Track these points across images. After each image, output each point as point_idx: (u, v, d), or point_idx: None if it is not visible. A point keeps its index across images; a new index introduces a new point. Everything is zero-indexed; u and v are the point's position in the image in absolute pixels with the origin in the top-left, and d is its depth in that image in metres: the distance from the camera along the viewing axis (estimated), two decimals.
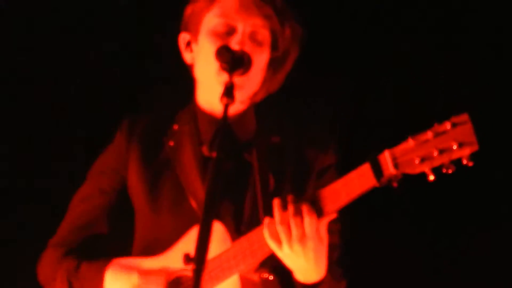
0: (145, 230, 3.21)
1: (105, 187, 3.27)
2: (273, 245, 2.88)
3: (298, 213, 2.85)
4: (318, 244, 2.88)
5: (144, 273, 3.05)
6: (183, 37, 3.29)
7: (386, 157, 2.78)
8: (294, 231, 2.84)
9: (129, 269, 3.08)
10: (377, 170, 2.80)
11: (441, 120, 2.73)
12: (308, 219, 2.84)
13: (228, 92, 2.88)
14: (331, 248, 3.13)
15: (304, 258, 2.87)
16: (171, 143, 3.26)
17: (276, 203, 2.88)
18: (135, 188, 3.23)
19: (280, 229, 2.85)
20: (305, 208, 2.84)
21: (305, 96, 4.35)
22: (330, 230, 3.12)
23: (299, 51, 3.28)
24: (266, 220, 2.89)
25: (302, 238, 2.84)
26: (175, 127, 3.30)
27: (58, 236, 3.28)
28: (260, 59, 3.16)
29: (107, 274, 3.10)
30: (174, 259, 3.04)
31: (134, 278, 3.04)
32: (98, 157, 3.36)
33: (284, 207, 2.87)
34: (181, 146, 3.24)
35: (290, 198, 2.87)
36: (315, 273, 2.95)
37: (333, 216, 2.90)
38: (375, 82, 4.44)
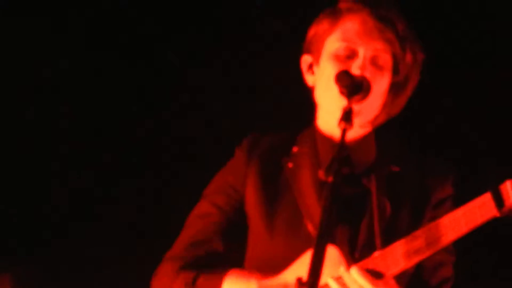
0: (259, 250, 3.22)
1: (223, 204, 3.28)
2: None
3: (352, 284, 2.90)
4: None
5: (263, 284, 3.03)
6: (305, 59, 3.30)
7: (507, 186, 2.76)
8: None
9: (248, 276, 3.06)
10: (498, 200, 2.77)
11: None
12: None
13: (346, 117, 2.89)
14: (443, 281, 3.17)
15: None
16: (290, 165, 3.26)
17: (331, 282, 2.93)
18: (252, 207, 3.24)
19: None
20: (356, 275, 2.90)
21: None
22: (443, 263, 3.15)
23: (420, 75, 3.25)
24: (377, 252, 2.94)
25: None
26: (295, 149, 3.29)
27: (174, 251, 3.29)
28: (381, 84, 3.14)
29: (225, 282, 3.09)
30: (287, 282, 3.04)
31: (253, 285, 3.03)
32: (216, 174, 3.38)
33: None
34: (300, 169, 3.24)
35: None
36: None
37: (431, 252, 2.90)
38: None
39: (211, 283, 3.11)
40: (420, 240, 2.90)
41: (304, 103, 3.35)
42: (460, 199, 2.95)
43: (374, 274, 2.91)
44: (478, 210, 2.82)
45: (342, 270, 2.92)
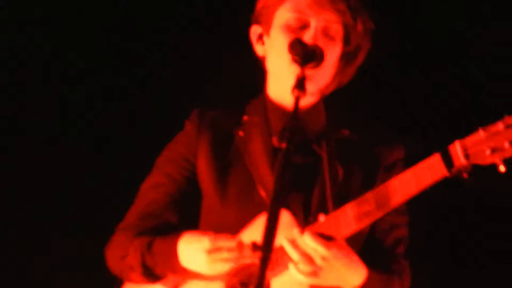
0: (212, 219, 3.25)
1: (175, 175, 3.30)
2: (308, 279, 2.96)
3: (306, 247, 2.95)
4: (342, 259, 2.96)
5: (215, 238, 3.02)
6: (255, 30, 3.32)
7: (457, 147, 2.82)
8: (311, 253, 2.94)
9: (202, 234, 3.05)
10: (448, 161, 2.83)
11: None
12: (314, 251, 2.93)
13: (300, 84, 2.94)
14: (397, 241, 3.22)
15: (336, 276, 2.97)
16: (241, 134, 3.29)
17: (285, 243, 2.96)
18: (204, 176, 3.26)
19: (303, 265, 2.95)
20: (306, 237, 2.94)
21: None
22: (397, 224, 3.21)
23: (370, 45, 3.30)
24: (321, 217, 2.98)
25: (314, 272, 2.94)
26: (245, 118, 3.33)
27: (127, 222, 3.31)
28: (332, 53, 3.18)
29: (180, 243, 3.09)
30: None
31: (205, 242, 3.01)
32: (166, 146, 3.40)
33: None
34: (251, 137, 3.28)
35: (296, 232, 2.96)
36: (354, 279, 3.02)
37: (381, 214, 2.95)
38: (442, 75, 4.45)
39: (166, 245, 3.11)
40: (370, 202, 2.94)
41: (250, 73, 3.40)
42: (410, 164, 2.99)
43: (327, 237, 2.96)
44: (428, 171, 2.87)
45: (295, 233, 2.97)
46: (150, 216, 3.27)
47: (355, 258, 3.02)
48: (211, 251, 2.97)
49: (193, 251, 3.02)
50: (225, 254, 2.96)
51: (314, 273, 2.94)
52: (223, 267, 2.98)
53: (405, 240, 3.25)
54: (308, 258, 2.94)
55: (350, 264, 2.99)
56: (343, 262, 2.96)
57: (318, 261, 2.93)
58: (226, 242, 2.97)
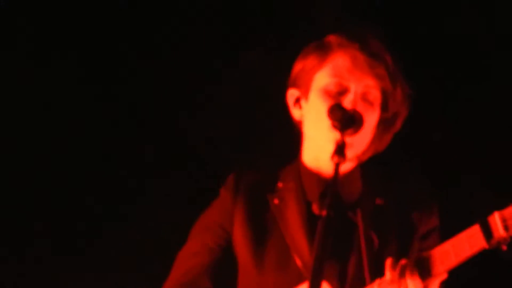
0: (249, 287, 3.20)
1: (211, 243, 3.26)
2: None
3: (404, 274, 2.88)
4: None
5: None
6: (292, 93, 3.30)
7: (496, 218, 2.78)
8: None
9: None
10: (487, 232, 2.80)
11: None
12: (411, 281, 2.86)
13: (340, 150, 2.92)
14: None
15: None
16: (276, 201, 3.25)
17: (388, 263, 2.90)
18: (240, 245, 3.22)
19: None
20: (408, 270, 2.87)
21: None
22: None
23: (408, 111, 3.27)
24: (377, 281, 2.90)
25: None
26: (280, 184, 3.29)
27: None
28: (371, 119, 3.17)
29: None
30: None
31: None
32: (202, 213, 3.36)
33: (395, 267, 2.90)
34: (287, 204, 3.24)
35: (400, 260, 2.90)
36: None
37: (444, 276, 2.91)
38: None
39: None
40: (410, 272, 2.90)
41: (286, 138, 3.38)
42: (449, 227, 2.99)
43: None
44: (467, 242, 2.84)
45: None
46: (187, 285, 3.23)
47: None
48: None
49: None
50: None
51: None
52: None
53: None
54: None
55: None
56: None
57: None
58: None
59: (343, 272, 3.11)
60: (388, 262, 2.90)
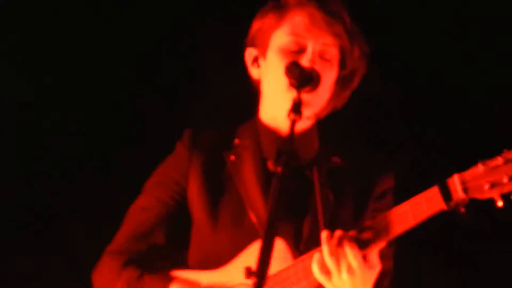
0: (203, 243, 3.23)
1: (165, 197, 3.28)
2: (322, 278, 2.92)
3: (341, 244, 2.91)
4: (367, 273, 2.92)
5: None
6: (250, 52, 3.32)
7: (455, 181, 2.81)
8: (343, 262, 2.89)
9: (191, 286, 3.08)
10: (446, 194, 2.82)
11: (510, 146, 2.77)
12: (350, 252, 2.89)
13: (296, 108, 2.91)
14: (382, 274, 3.14)
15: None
16: (232, 158, 3.27)
17: (324, 235, 2.92)
18: (195, 201, 3.24)
19: (329, 261, 2.90)
20: (346, 242, 2.89)
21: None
22: (382, 255, 3.12)
23: (366, 69, 3.30)
24: (316, 254, 2.93)
25: (350, 269, 2.88)
26: (236, 141, 3.31)
27: (116, 245, 3.28)
28: (329, 77, 3.18)
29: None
30: (233, 274, 3.07)
31: None
32: (157, 167, 3.37)
33: (330, 240, 2.92)
34: (242, 161, 3.26)
35: (336, 231, 2.92)
36: None
37: (383, 244, 2.93)
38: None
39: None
40: (369, 232, 2.93)
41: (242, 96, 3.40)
42: (405, 193, 2.99)
43: None
44: (426, 204, 2.86)
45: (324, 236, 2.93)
46: (139, 238, 3.25)
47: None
48: None
49: None
50: None
51: (349, 269, 2.89)
52: None
53: (391, 273, 3.24)
54: (337, 263, 2.89)
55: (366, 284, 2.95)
56: (363, 279, 2.91)
57: (352, 261, 2.89)
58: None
59: (298, 230, 3.14)
60: (324, 234, 2.91)
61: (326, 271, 2.90)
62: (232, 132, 3.35)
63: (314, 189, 3.19)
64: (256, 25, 3.29)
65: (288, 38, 3.18)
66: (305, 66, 3.08)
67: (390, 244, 3.15)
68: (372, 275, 2.94)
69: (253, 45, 3.30)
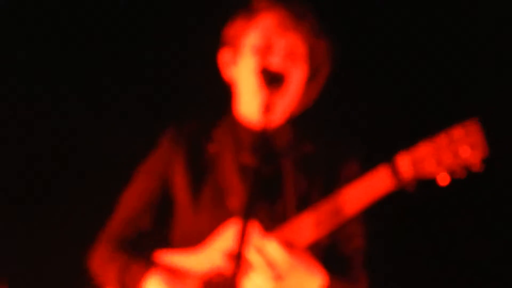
0: (185, 224, 3.40)
1: (152, 187, 3.49)
2: (270, 284, 3.13)
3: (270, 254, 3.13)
4: (302, 264, 3.15)
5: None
6: (223, 54, 3.48)
7: (403, 159, 3.01)
8: (269, 272, 3.11)
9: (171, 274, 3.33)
10: (395, 172, 3.03)
11: (451, 123, 2.91)
12: (277, 257, 3.12)
13: (268, 107, 3.13)
14: (355, 252, 3.38)
15: (298, 281, 3.14)
16: (212, 150, 3.45)
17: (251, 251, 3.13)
18: (179, 189, 3.42)
19: (263, 271, 3.13)
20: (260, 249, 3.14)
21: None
22: (354, 234, 3.37)
23: (332, 65, 3.46)
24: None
25: (278, 277, 3.11)
26: (216, 135, 3.49)
27: (107, 231, 3.52)
28: (298, 76, 3.35)
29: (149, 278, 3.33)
30: (212, 254, 3.28)
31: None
32: (143, 160, 3.57)
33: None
34: (222, 153, 3.43)
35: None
36: (315, 284, 3.20)
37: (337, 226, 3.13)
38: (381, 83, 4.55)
39: (138, 276, 3.35)
40: (326, 212, 3.13)
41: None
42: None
43: (289, 244, 3.15)
44: (376, 181, 3.05)
45: (262, 242, 3.15)
46: (128, 224, 3.49)
47: (316, 264, 3.18)
48: None
49: None
50: None
51: (277, 278, 3.11)
52: None
53: (362, 250, 3.40)
54: (271, 264, 3.11)
55: (310, 270, 3.16)
56: (304, 268, 3.14)
57: (280, 266, 3.10)
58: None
59: (272, 212, 3.30)
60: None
61: (269, 277, 3.12)
62: (212, 126, 3.52)
63: (288, 176, 3.36)
64: (229, 27, 3.45)
65: (258, 39, 3.34)
66: (274, 67, 3.25)
67: (358, 222, 3.36)
68: (304, 264, 3.14)
69: (226, 46, 3.46)
